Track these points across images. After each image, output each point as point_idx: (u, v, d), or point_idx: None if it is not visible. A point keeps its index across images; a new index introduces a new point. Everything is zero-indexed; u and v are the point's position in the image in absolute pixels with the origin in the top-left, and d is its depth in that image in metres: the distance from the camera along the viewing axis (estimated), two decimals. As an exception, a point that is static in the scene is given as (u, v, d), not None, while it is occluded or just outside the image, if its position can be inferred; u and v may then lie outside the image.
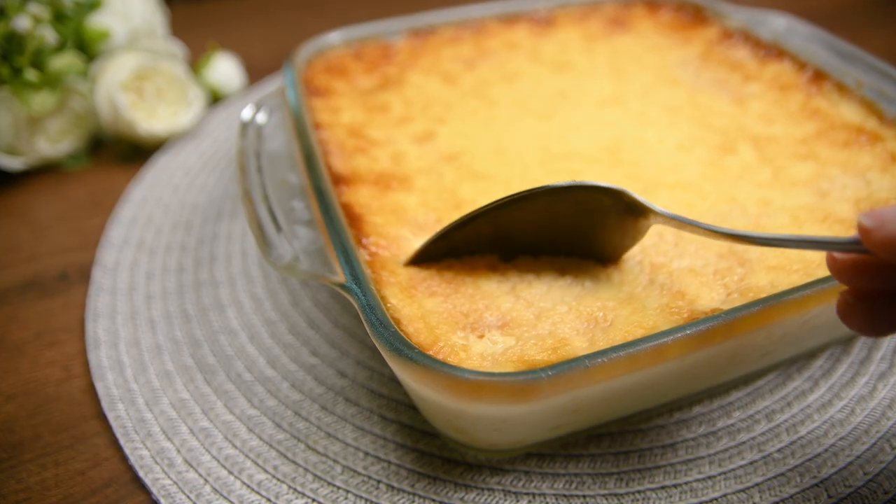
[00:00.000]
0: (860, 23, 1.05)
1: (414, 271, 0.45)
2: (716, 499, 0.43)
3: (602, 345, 0.39)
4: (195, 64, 0.89)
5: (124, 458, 0.47)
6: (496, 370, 0.37)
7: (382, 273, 0.44)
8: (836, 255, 0.35)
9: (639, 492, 0.44)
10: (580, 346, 0.39)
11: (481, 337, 0.40)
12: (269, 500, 0.44)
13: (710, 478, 0.44)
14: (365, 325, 0.37)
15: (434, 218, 0.49)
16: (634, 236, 0.43)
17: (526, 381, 0.33)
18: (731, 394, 0.49)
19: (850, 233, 0.46)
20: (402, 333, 0.37)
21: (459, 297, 0.43)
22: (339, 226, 0.43)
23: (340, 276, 0.40)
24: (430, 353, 0.38)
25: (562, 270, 0.45)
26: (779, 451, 0.45)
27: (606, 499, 0.43)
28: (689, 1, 0.76)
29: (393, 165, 0.55)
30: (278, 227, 0.44)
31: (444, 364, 0.34)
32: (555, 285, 0.44)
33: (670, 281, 0.43)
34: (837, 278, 0.35)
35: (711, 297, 0.42)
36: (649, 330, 0.39)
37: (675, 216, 0.41)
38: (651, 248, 0.46)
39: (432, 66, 0.69)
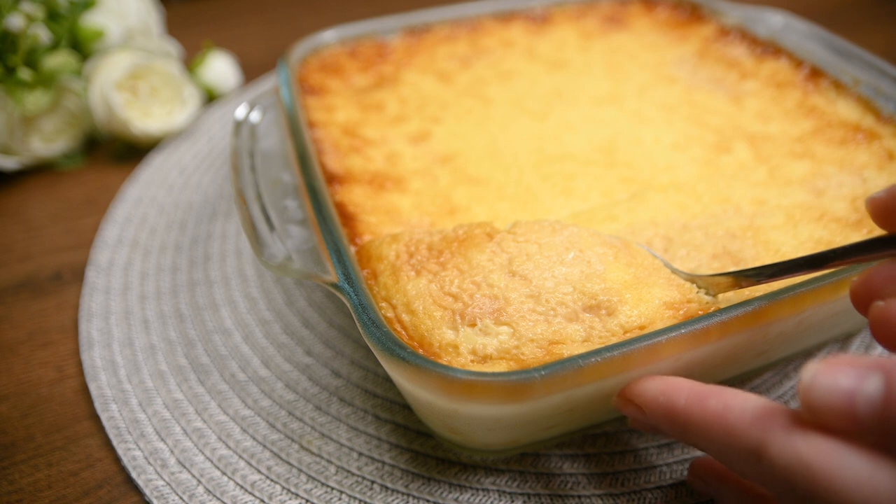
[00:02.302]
0: (859, 20, 1.05)
1: (401, 248, 0.43)
2: (712, 498, 0.43)
3: (598, 336, 0.38)
4: (190, 63, 0.89)
5: (117, 459, 0.47)
6: (489, 369, 0.37)
7: (370, 262, 0.43)
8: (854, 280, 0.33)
9: (634, 492, 0.43)
10: (577, 336, 0.38)
11: (472, 325, 0.38)
12: (262, 500, 0.44)
13: (705, 477, 0.44)
14: (357, 324, 0.37)
15: (428, 222, 0.49)
16: None
17: (519, 380, 0.33)
18: (727, 393, 0.49)
19: (845, 231, 0.46)
20: (393, 332, 0.36)
21: (448, 273, 0.40)
22: (332, 225, 0.43)
23: (333, 275, 0.40)
24: (420, 351, 0.38)
25: (568, 244, 0.42)
26: (775, 450, 0.45)
27: (602, 499, 0.43)
28: (685, -1, 0.76)
29: (387, 166, 0.54)
30: (271, 227, 0.44)
31: (436, 364, 0.34)
32: (558, 261, 0.41)
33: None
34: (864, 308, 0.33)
35: (706, 297, 0.41)
36: (647, 323, 0.39)
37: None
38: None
39: (428, 64, 0.69)
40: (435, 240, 0.43)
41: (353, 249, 0.45)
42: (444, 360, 0.37)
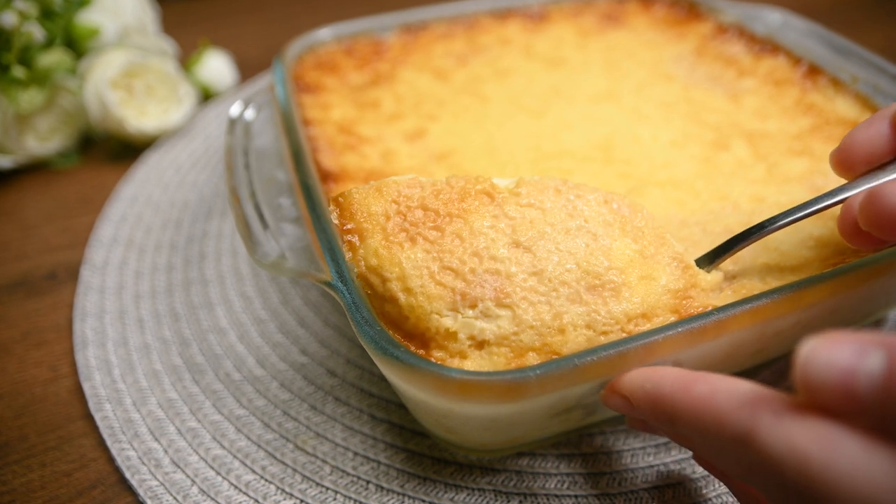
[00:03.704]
0: (857, 18, 1.05)
1: (390, 206, 0.39)
2: (709, 498, 0.43)
3: (602, 324, 0.37)
4: (186, 61, 0.88)
5: (111, 459, 0.47)
6: (486, 355, 0.37)
7: (353, 217, 0.40)
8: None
9: (631, 491, 0.43)
10: (579, 321, 0.37)
11: (473, 307, 0.36)
12: (256, 500, 0.43)
13: (703, 477, 0.44)
14: (351, 323, 0.37)
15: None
16: None
17: (514, 380, 0.33)
18: (725, 392, 0.49)
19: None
20: (387, 330, 0.36)
21: (447, 241, 0.38)
22: (325, 223, 0.43)
23: (327, 273, 0.39)
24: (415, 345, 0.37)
25: (573, 211, 0.39)
26: (772, 449, 0.45)
27: (599, 498, 0.43)
28: (683, -4, 0.75)
29: (383, 164, 0.54)
30: (265, 225, 0.44)
31: (430, 363, 0.34)
32: (563, 230, 0.39)
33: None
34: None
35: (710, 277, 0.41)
36: (649, 310, 0.38)
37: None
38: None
39: (424, 62, 0.68)
40: (427, 194, 0.40)
41: (336, 215, 0.41)
42: (441, 345, 0.36)
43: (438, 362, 0.36)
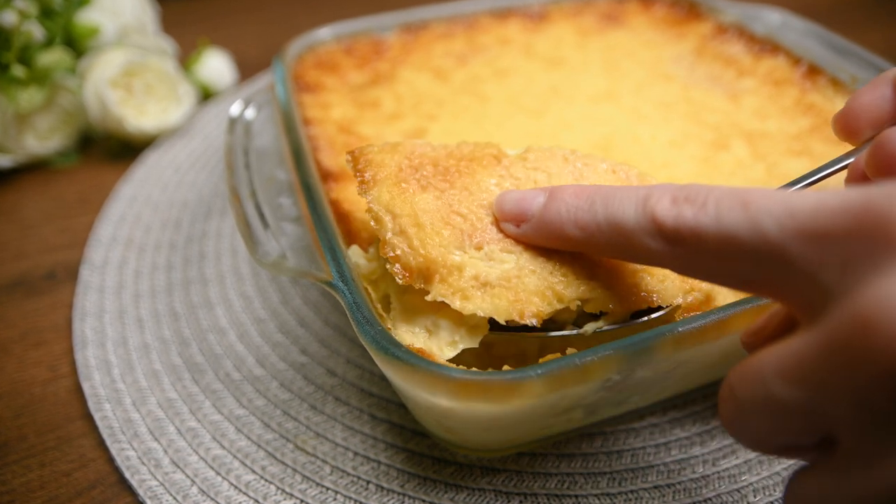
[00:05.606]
0: (857, 18, 1.05)
1: (403, 160, 0.41)
2: (709, 498, 0.43)
3: (599, 293, 0.37)
4: (186, 60, 0.88)
5: (111, 459, 0.46)
6: (488, 296, 0.36)
7: (369, 167, 0.40)
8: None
9: (632, 491, 0.43)
10: (579, 293, 0.37)
11: (479, 249, 0.37)
12: (256, 501, 0.43)
13: (703, 477, 0.44)
14: (351, 322, 0.37)
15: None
16: None
17: (514, 380, 0.33)
18: (725, 392, 0.49)
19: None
20: (395, 245, 0.36)
21: (456, 192, 0.39)
22: (326, 223, 0.43)
23: (327, 273, 0.39)
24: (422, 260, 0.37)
25: (579, 177, 0.41)
26: (772, 449, 0.45)
27: (599, 498, 0.43)
28: (683, -4, 0.75)
29: (383, 162, 0.54)
30: (265, 224, 0.44)
31: (430, 363, 0.34)
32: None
33: None
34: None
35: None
36: (647, 292, 0.38)
37: None
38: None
39: (424, 61, 0.68)
40: (440, 155, 0.41)
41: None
42: (445, 278, 0.36)
43: (441, 298, 0.36)
